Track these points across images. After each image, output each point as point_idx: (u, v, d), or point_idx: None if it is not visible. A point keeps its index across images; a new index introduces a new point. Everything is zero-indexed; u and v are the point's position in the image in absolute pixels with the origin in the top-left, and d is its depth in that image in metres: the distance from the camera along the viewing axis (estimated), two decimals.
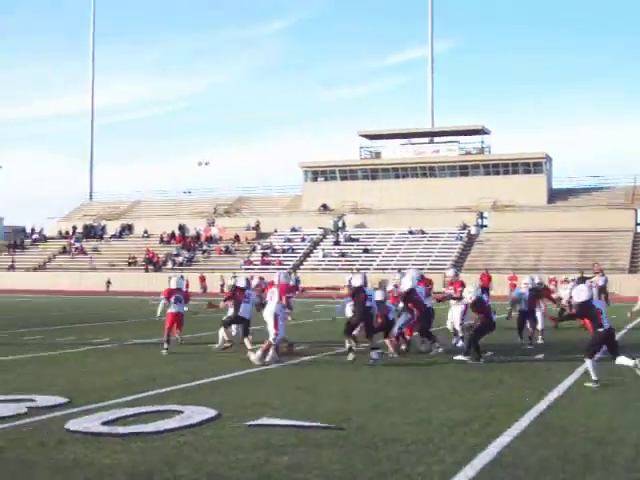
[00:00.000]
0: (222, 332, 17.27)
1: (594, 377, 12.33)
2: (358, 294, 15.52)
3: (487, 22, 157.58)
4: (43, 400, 10.53)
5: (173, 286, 18.36)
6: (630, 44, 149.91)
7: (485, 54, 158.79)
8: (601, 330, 12.53)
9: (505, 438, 8.48)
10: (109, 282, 63.46)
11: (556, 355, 16.59)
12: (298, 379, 13.15)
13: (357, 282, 15.77)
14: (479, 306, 15.90)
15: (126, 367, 14.64)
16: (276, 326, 14.74)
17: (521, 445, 8.22)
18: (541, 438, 8.59)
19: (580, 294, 12.88)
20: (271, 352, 14.78)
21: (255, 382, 12.83)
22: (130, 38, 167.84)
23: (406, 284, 16.72)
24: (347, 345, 15.68)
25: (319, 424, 9.01)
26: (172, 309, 17.97)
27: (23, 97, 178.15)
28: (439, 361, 15.69)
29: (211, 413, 9.58)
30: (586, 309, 12.83)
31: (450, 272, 20.19)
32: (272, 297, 14.91)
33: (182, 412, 9.59)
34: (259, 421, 9.17)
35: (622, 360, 12.61)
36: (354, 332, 16.02)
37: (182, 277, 20.17)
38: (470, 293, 16.19)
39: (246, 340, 15.92)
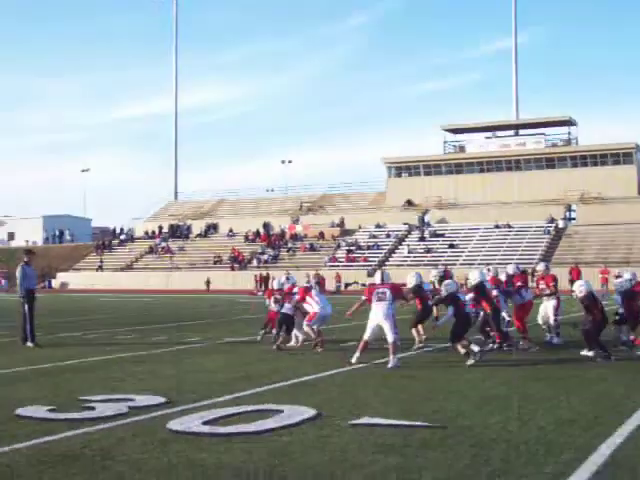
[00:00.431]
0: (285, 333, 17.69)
1: None
2: (455, 301, 15.24)
3: (571, 11, 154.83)
4: (142, 400, 10.56)
5: (275, 287, 18.95)
6: None
7: (570, 43, 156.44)
8: None
9: (616, 439, 8.14)
10: (209, 281, 63.75)
11: None
12: (393, 378, 12.95)
13: (452, 288, 15.48)
14: (589, 302, 15.20)
15: (220, 366, 14.63)
16: (395, 325, 14.52)
17: (634, 446, 7.90)
18: None
19: None
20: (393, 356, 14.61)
21: (351, 381, 12.67)
22: (212, 40, 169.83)
23: (475, 277, 16.33)
24: (462, 351, 15.26)
25: (422, 424, 8.81)
26: (273, 308, 18.59)
27: (109, 100, 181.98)
28: (535, 358, 15.34)
29: (311, 412, 9.44)
30: None
31: (540, 266, 19.52)
32: (383, 298, 14.53)
33: (282, 411, 9.49)
34: (361, 420, 9.01)
35: None
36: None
37: (288, 278, 20.21)
38: (582, 287, 15.41)
39: (295, 336, 17.83)
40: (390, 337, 14.30)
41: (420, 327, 17.46)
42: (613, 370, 13.59)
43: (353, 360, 14.33)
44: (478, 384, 12.21)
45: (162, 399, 10.56)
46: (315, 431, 8.53)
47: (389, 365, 14.09)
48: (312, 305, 17.50)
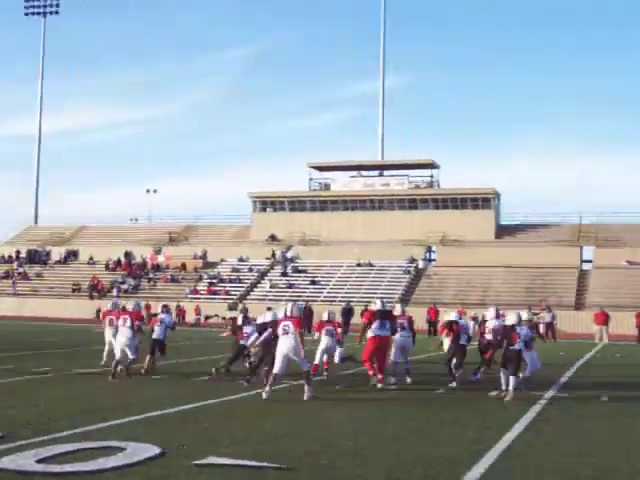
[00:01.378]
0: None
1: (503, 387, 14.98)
2: (265, 329, 16.41)
3: (438, 59, 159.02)
4: None
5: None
6: (583, 88, 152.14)
7: (436, 90, 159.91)
8: (516, 348, 14.87)
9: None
10: (99, 310, 60.56)
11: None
12: (245, 414, 12.66)
13: (270, 318, 16.71)
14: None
15: (66, 399, 13.98)
16: (303, 356, 14.60)
17: None
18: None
19: (509, 319, 15.39)
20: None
21: (202, 417, 12.28)
22: (83, 65, 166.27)
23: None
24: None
25: (269, 464, 8.50)
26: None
27: None
28: (388, 396, 15.31)
29: (155, 451, 9.00)
30: (509, 331, 15.04)
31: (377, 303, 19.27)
32: (288, 330, 14.58)
33: (124, 449, 9.02)
34: (206, 460, 8.63)
35: (511, 382, 14.86)
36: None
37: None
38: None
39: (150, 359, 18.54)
40: (304, 367, 14.51)
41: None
42: (467, 411, 13.64)
43: (264, 396, 14.18)
44: (331, 422, 12.01)
45: None
46: (156, 471, 8.11)
47: (305, 397, 14.27)
48: None
